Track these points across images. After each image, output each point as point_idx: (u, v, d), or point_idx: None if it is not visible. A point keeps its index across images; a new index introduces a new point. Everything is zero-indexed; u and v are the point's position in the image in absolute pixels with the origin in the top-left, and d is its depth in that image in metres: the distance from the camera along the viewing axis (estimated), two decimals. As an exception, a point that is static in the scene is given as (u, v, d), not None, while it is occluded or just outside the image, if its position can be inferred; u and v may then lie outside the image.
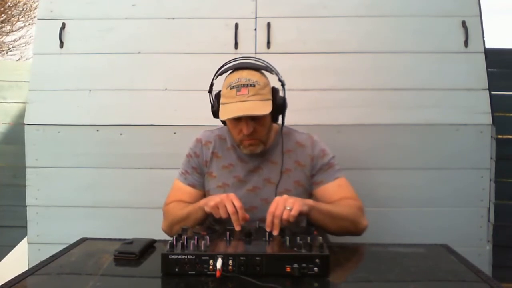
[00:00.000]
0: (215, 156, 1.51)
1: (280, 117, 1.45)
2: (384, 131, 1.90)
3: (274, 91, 1.42)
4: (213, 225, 1.37)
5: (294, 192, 1.43)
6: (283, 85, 1.44)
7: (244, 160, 1.49)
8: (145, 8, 1.96)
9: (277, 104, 1.39)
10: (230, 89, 1.36)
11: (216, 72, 1.45)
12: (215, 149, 1.52)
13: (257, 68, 1.42)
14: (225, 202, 1.27)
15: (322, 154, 1.50)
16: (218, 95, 1.44)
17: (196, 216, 1.36)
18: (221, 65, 1.45)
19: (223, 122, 1.47)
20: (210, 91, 1.47)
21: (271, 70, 1.44)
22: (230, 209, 1.25)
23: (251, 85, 1.35)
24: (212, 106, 1.46)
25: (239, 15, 1.94)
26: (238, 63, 1.44)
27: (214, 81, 1.46)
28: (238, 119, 1.38)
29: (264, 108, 1.35)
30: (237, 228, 1.24)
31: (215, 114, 1.44)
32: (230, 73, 1.43)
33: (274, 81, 1.45)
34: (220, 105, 1.40)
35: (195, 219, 1.37)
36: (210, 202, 1.30)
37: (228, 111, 1.36)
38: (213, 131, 1.56)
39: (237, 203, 1.26)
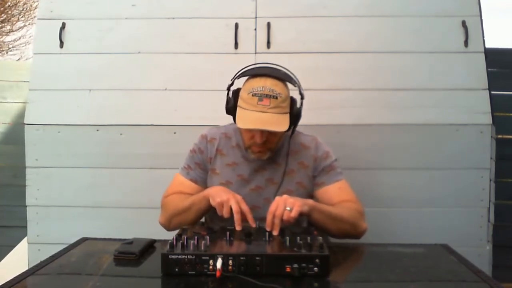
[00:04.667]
0: (220, 154, 1.51)
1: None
2: (384, 131, 1.90)
3: (292, 102, 1.41)
4: (214, 217, 1.36)
5: (296, 193, 1.43)
6: (302, 98, 1.43)
7: (248, 159, 1.49)
8: (145, 8, 1.96)
9: (293, 116, 1.39)
10: (252, 95, 1.34)
11: (240, 72, 1.44)
12: (220, 146, 1.52)
13: (281, 78, 1.40)
14: (231, 202, 1.27)
15: (326, 156, 1.50)
16: (236, 94, 1.42)
17: (200, 206, 1.36)
18: (246, 65, 1.44)
19: (234, 118, 1.45)
20: (228, 89, 1.44)
21: (295, 82, 1.43)
22: (235, 208, 1.25)
23: (273, 96, 1.34)
24: (227, 103, 1.44)
25: (239, 15, 1.94)
26: (264, 70, 1.41)
27: (236, 81, 1.44)
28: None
29: (282, 124, 1.34)
30: (238, 228, 1.24)
31: (229, 110, 1.43)
32: (253, 76, 1.40)
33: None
34: (238, 108, 1.39)
35: (199, 209, 1.36)
36: (216, 198, 1.29)
37: (246, 119, 1.35)
38: (219, 128, 1.56)
39: (245, 208, 1.27)
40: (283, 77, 1.41)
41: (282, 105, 1.36)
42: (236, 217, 1.25)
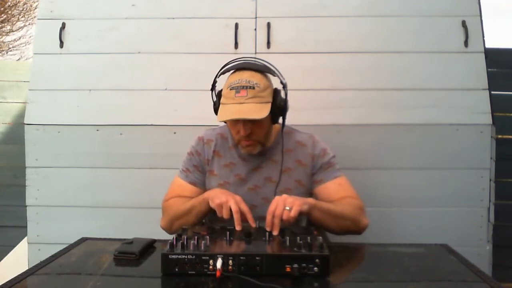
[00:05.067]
0: (217, 155, 1.52)
1: (280, 118, 1.44)
2: (384, 131, 1.90)
3: (276, 93, 1.41)
4: (214, 219, 1.36)
5: (295, 191, 1.43)
6: (284, 87, 1.44)
7: (245, 159, 1.49)
8: (145, 8, 1.96)
9: (277, 106, 1.39)
10: (230, 89, 1.37)
11: (219, 71, 1.45)
12: (217, 147, 1.52)
13: (259, 70, 1.41)
14: (230, 203, 1.27)
15: (323, 153, 1.50)
16: (219, 94, 1.44)
17: (200, 209, 1.36)
18: (224, 64, 1.45)
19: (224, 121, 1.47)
20: (212, 89, 1.47)
21: (273, 72, 1.44)
22: (234, 208, 1.25)
23: (250, 87, 1.35)
24: (214, 104, 1.46)
25: (239, 15, 1.94)
26: (241, 63, 1.43)
27: (217, 79, 1.46)
28: (236, 120, 1.38)
29: (261, 111, 1.35)
30: (238, 227, 1.24)
31: (216, 111, 1.44)
32: (233, 73, 1.42)
33: (276, 83, 1.45)
34: (220, 105, 1.40)
35: (199, 212, 1.37)
36: (215, 200, 1.30)
37: (225, 112, 1.36)
38: (215, 129, 1.57)
39: (244, 208, 1.27)
40: (261, 68, 1.41)
41: (261, 94, 1.36)
42: (236, 217, 1.25)
